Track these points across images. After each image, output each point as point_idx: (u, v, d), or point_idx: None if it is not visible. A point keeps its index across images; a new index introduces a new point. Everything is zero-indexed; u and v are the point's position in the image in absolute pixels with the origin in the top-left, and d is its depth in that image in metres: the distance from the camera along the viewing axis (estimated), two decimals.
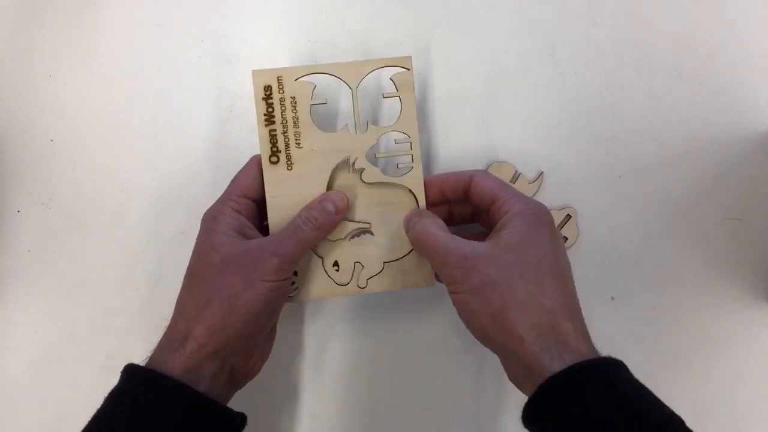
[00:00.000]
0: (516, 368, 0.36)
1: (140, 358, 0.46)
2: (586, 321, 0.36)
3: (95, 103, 0.48)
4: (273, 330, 0.42)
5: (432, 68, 0.48)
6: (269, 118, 0.41)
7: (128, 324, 0.47)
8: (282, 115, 0.41)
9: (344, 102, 0.47)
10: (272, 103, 0.41)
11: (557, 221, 0.47)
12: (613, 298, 0.47)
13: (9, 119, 0.48)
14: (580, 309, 0.37)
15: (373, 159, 0.42)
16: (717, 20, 0.48)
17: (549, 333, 0.34)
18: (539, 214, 0.38)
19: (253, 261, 0.37)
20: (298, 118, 0.41)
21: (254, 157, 0.42)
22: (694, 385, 0.46)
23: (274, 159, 0.41)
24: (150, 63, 0.48)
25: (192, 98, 0.48)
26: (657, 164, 0.48)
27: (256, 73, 0.40)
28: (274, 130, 0.41)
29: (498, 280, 0.35)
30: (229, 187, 0.41)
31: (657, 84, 0.48)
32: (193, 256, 0.40)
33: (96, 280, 0.47)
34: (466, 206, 0.43)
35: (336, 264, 0.42)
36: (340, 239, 0.42)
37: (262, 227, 0.42)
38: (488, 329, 0.35)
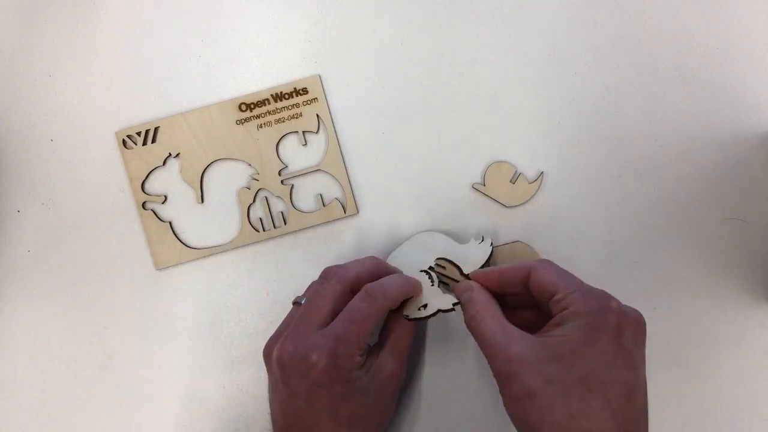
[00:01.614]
0: None
1: (140, 358, 0.47)
2: None
3: (95, 103, 0.48)
4: None
5: (432, 68, 0.48)
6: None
7: (128, 324, 0.47)
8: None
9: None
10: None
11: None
12: None
13: (9, 119, 0.48)
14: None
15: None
16: (717, 20, 0.48)
17: None
18: (600, 316, 0.33)
19: (394, 391, 0.41)
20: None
21: (374, 302, 0.38)
22: (694, 385, 0.46)
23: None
24: (150, 63, 0.49)
25: (192, 98, 0.48)
26: (657, 164, 0.48)
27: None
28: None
29: (538, 394, 0.32)
30: (351, 332, 0.37)
31: (657, 84, 0.48)
32: (341, 404, 0.37)
33: (96, 280, 0.47)
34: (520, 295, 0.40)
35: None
36: None
37: None
38: None
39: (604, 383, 0.32)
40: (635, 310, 0.35)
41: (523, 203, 0.47)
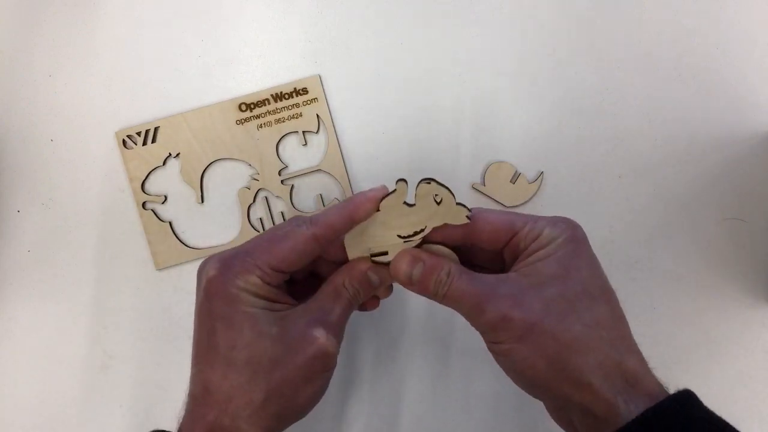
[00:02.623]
0: (576, 415, 0.31)
1: (140, 358, 0.46)
2: None
3: (95, 103, 0.48)
4: None
5: (432, 68, 0.48)
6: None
7: (128, 324, 0.47)
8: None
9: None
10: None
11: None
12: None
13: (9, 119, 0.48)
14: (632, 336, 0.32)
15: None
16: (717, 20, 0.48)
17: (617, 373, 0.30)
18: (573, 231, 0.33)
19: (316, 352, 0.32)
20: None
21: (302, 228, 0.33)
22: (694, 385, 0.46)
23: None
24: (150, 63, 0.48)
25: (192, 98, 0.48)
26: (657, 164, 0.48)
27: None
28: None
29: (545, 318, 0.30)
30: (260, 250, 0.33)
31: (657, 84, 0.48)
32: (220, 330, 0.32)
33: (96, 280, 0.47)
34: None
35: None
36: None
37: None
38: (545, 378, 0.30)
39: (601, 290, 0.32)
40: None
41: (523, 203, 0.47)
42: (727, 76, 0.48)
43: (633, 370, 0.30)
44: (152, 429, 0.35)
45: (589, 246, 0.33)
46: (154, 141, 0.47)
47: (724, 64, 0.48)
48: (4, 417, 0.47)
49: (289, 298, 0.34)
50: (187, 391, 0.34)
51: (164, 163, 0.47)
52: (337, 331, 0.33)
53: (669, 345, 0.46)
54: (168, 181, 0.48)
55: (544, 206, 0.47)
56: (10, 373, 0.47)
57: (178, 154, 0.47)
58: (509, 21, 0.49)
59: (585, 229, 0.47)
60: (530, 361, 0.30)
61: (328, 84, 0.48)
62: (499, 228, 0.34)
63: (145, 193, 0.47)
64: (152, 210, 0.47)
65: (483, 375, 0.46)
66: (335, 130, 0.48)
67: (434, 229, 0.34)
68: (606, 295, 0.32)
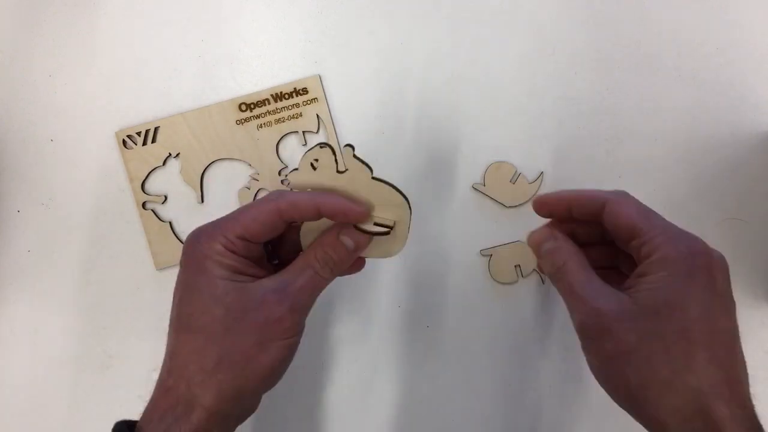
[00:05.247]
0: None
1: (140, 358, 0.46)
2: None
3: (95, 103, 0.48)
4: None
5: (432, 68, 0.48)
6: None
7: (128, 324, 0.47)
8: None
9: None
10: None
11: None
12: None
13: (9, 119, 0.48)
14: (746, 383, 0.31)
15: None
16: (717, 20, 0.48)
17: (698, 419, 0.29)
18: (693, 258, 0.31)
19: (267, 318, 0.32)
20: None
21: (271, 200, 0.34)
22: None
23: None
24: (150, 63, 0.48)
25: (192, 98, 0.48)
26: (657, 164, 0.48)
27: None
28: None
29: (637, 350, 0.30)
30: (227, 220, 0.34)
31: (657, 84, 0.48)
32: (185, 298, 0.33)
33: (96, 280, 0.47)
34: (594, 225, 0.37)
35: None
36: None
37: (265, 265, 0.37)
38: (625, 403, 0.31)
39: (707, 334, 0.30)
40: (719, 252, 0.32)
41: (523, 203, 0.47)
42: (727, 76, 0.48)
43: (719, 419, 0.29)
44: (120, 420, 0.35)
45: (713, 278, 0.31)
46: (154, 141, 0.47)
47: (724, 64, 0.48)
48: (4, 417, 0.47)
49: (259, 270, 0.34)
50: None
51: (164, 163, 0.47)
52: (296, 300, 0.33)
53: None
54: (168, 181, 0.48)
55: None
56: (10, 372, 0.47)
57: (178, 154, 0.47)
58: (509, 21, 0.49)
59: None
60: (613, 384, 0.31)
61: (328, 84, 0.48)
62: (622, 224, 0.33)
63: (145, 193, 0.47)
64: (152, 210, 0.47)
65: (479, 362, 0.46)
66: (335, 130, 0.48)
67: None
68: (711, 340, 0.30)
